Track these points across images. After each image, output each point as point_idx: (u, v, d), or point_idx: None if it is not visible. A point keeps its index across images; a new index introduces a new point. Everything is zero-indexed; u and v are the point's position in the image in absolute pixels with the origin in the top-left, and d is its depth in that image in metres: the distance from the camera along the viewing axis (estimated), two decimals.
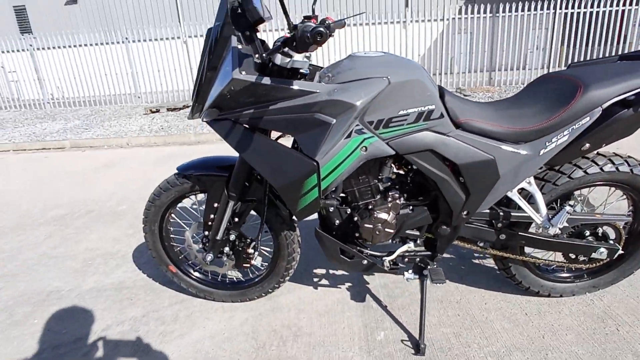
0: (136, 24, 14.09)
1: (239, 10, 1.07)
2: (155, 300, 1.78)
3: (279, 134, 1.35)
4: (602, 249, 1.43)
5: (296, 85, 1.14)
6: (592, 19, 8.31)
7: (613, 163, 1.36)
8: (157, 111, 7.61)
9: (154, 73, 9.07)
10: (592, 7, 8.72)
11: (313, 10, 1.36)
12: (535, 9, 8.66)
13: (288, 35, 1.08)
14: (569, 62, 8.76)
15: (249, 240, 1.56)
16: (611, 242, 1.46)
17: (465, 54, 9.19)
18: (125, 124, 6.58)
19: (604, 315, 1.52)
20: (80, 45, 9.11)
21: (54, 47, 9.00)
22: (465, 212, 1.34)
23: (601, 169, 1.35)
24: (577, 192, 1.55)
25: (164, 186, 1.52)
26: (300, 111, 1.16)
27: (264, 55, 1.06)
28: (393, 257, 1.44)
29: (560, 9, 8.50)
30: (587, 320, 1.50)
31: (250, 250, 1.54)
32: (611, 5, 8.39)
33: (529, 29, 8.82)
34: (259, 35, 1.15)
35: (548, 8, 8.79)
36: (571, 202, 1.45)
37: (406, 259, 1.48)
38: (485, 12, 8.63)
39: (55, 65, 9.19)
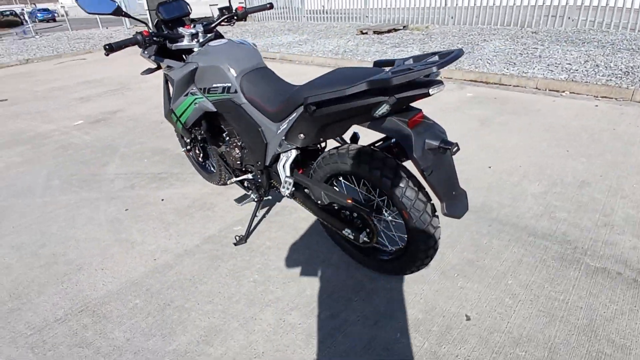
0: None
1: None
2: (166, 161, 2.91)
3: None
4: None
5: (165, 63, 1.87)
6: None
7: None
8: (366, 33, 8.36)
9: None
10: None
11: (229, 2, 1.91)
12: None
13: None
14: None
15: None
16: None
17: None
18: (329, 43, 7.71)
19: None
20: None
21: None
22: (258, 163, 1.73)
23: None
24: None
25: None
26: (169, 76, 1.91)
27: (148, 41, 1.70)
28: (236, 179, 1.99)
29: None
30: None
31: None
32: None
33: None
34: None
35: None
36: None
37: (246, 184, 1.99)
38: None
39: None
